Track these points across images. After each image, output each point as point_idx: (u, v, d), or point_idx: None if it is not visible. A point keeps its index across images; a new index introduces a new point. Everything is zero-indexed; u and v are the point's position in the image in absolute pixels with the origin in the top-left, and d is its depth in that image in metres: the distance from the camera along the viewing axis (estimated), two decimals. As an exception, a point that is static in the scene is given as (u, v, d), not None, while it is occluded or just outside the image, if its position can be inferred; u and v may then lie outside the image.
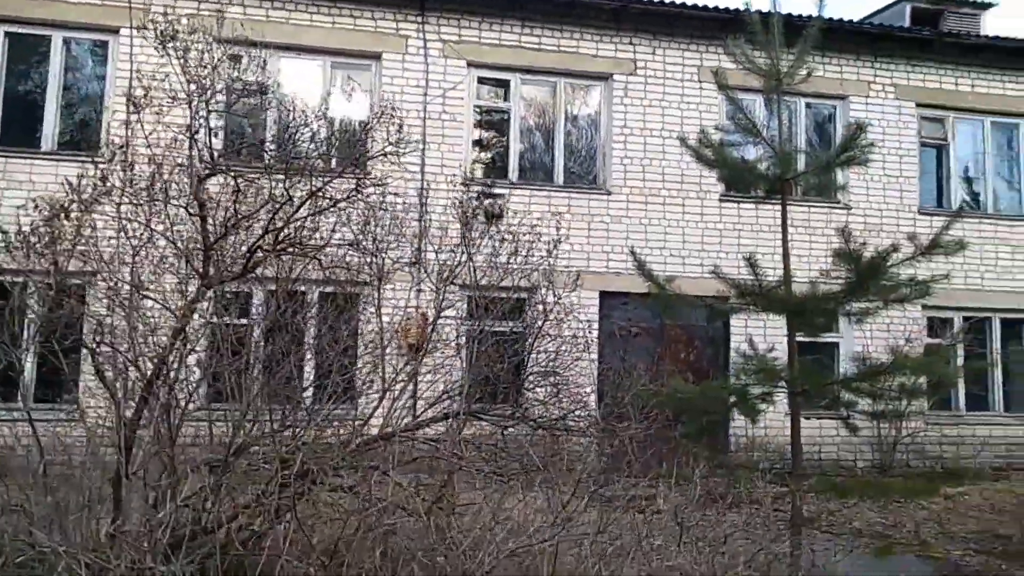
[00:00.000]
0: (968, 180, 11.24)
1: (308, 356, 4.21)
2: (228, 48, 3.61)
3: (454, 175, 9.29)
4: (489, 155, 10.32)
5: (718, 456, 5.54)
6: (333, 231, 3.47)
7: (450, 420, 3.20)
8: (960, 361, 10.30)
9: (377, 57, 9.54)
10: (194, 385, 3.57)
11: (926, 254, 4.18)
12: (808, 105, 10.53)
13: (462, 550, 2.18)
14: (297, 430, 3.11)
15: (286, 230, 3.18)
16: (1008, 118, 11.13)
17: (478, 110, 10.10)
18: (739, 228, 9.97)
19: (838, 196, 10.46)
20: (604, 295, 9.63)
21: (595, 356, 9.35)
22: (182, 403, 3.70)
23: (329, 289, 4.78)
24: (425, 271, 5.44)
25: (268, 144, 4.34)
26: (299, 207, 3.21)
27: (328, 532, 2.65)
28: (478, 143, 10.19)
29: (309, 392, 4.17)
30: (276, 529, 3.03)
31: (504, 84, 10.05)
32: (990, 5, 12.42)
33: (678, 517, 3.31)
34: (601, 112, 10.15)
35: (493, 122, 10.33)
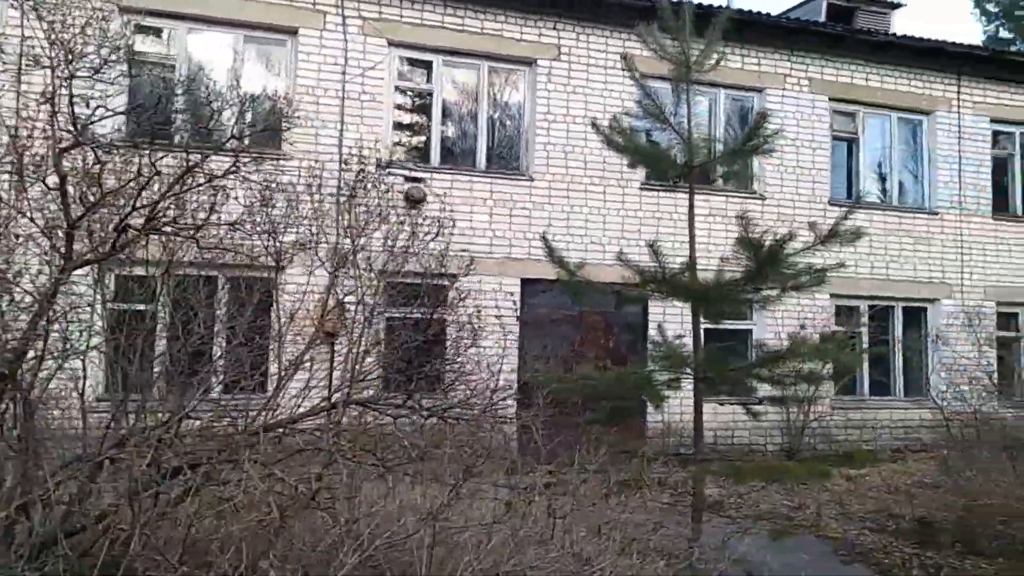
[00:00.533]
0: (877, 173, 11.69)
1: (209, 343, 4.00)
2: (104, 11, 3.33)
3: (373, 157, 9.05)
4: (411, 138, 10.10)
5: (627, 443, 5.56)
6: (212, 210, 3.25)
7: (335, 410, 3.06)
8: (865, 347, 10.76)
9: (293, 32, 9.19)
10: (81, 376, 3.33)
11: (825, 242, 4.26)
12: (729, 96, 10.72)
13: (322, 548, 2.07)
14: (181, 422, 2.92)
15: (161, 207, 2.95)
16: (913, 114, 11.61)
17: (400, 91, 9.86)
18: (659, 216, 10.09)
19: (754, 186, 10.72)
20: (526, 282, 9.60)
21: (514, 343, 9.37)
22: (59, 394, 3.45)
23: (240, 274, 4.59)
24: (348, 257, 5.27)
25: (150, 117, 4.05)
26: (174, 183, 2.98)
27: (196, 530, 2.50)
28: (399, 125, 9.96)
29: (215, 382, 3.97)
30: (155, 528, 2.85)
31: (427, 65, 9.84)
32: (899, 5, 12.91)
33: (576, 504, 3.28)
34: (525, 97, 10.07)
35: (415, 104, 10.11)
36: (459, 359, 3.99)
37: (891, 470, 9.20)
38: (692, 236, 4.48)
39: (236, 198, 3.98)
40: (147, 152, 2.94)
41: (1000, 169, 12.07)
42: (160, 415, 3.37)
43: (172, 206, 3.06)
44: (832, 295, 10.64)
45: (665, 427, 9.66)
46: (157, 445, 2.62)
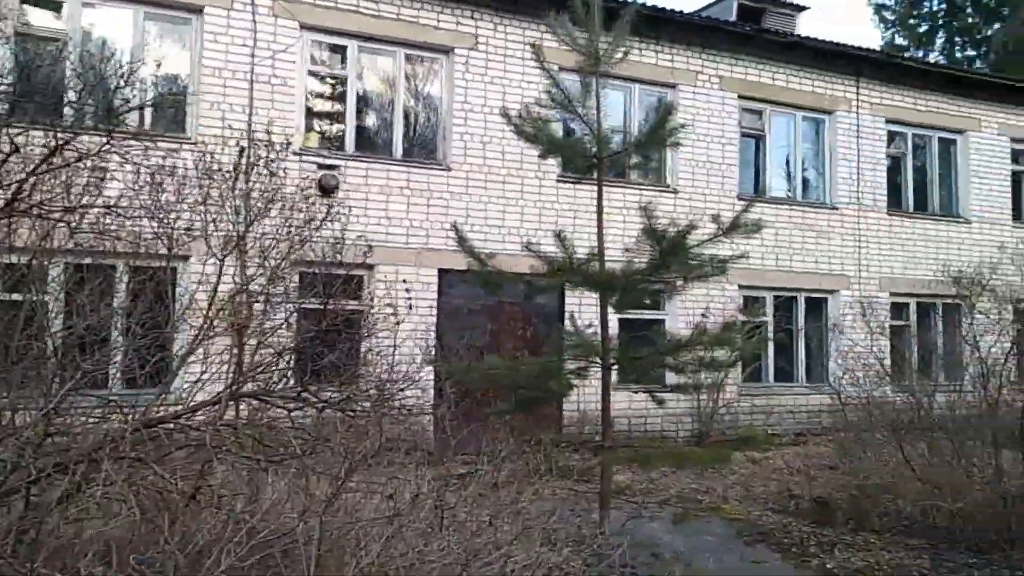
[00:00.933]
0: (784, 170, 12.17)
1: (97, 334, 3.76)
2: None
3: (284, 143, 8.78)
4: (326, 125, 9.84)
5: (540, 431, 5.61)
6: (87, 192, 3.05)
7: (220, 403, 2.94)
8: (769, 336, 11.21)
9: (198, 11, 8.78)
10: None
11: (728, 234, 4.38)
12: (644, 91, 10.92)
13: (195, 549, 1.98)
14: (49, 419, 2.72)
15: (27, 187, 2.74)
16: (817, 113, 12.14)
17: (313, 76, 9.59)
18: (576, 208, 10.19)
19: (667, 180, 10.98)
20: (444, 272, 9.52)
21: (431, 333, 9.30)
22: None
23: (140, 263, 4.35)
24: (245, 245, 5.08)
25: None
26: (42, 162, 2.77)
27: (66, 533, 2.34)
28: (313, 112, 9.69)
29: (112, 375, 3.75)
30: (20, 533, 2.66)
31: (341, 51, 9.60)
32: (804, 8, 13.46)
33: (481, 495, 3.27)
34: (443, 87, 9.97)
35: (332, 91, 9.86)
36: (367, 350, 3.90)
37: (793, 453, 9.64)
38: (600, 227, 4.53)
39: (131, 182, 3.76)
40: (3, 128, 2.72)
41: (895, 168, 12.79)
42: (33, 412, 3.16)
43: (48, 188, 2.85)
44: (740, 286, 11.03)
45: (581, 415, 9.80)
46: (24, 444, 2.44)
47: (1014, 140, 13.44)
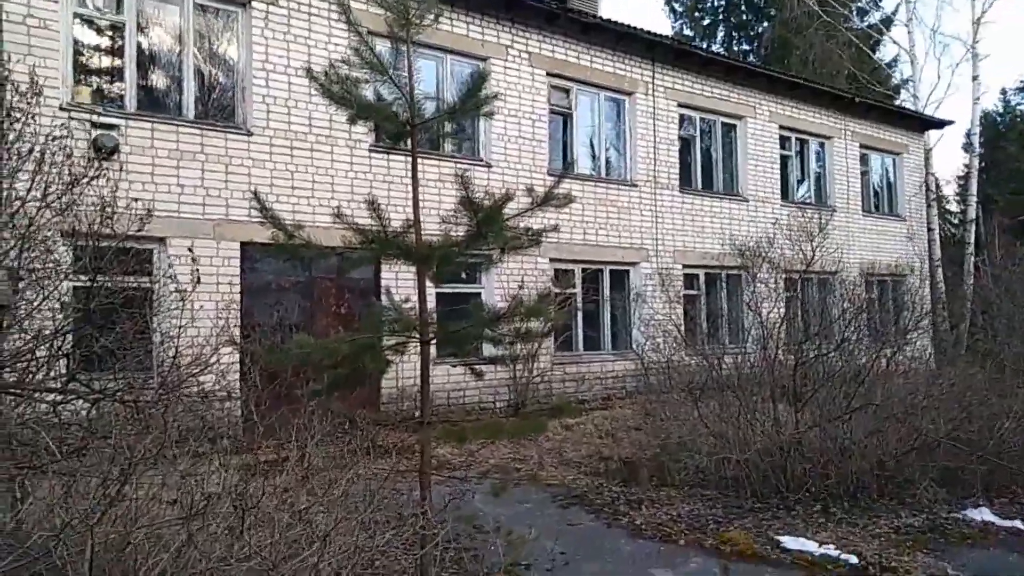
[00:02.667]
0: (589, 147, 12.68)
1: None
2: None
3: (36, 88, 7.58)
4: (105, 81, 8.63)
5: (356, 411, 5.35)
6: None
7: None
8: (578, 306, 11.71)
9: (-76, -68, 7.27)
10: None
11: (542, 205, 4.36)
12: (456, 62, 10.78)
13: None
14: None
15: None
16: (618, 94, 12.76)
17: (82, 21, 8.35)
18: (390, 180, 9.89)
19: (481, 154, 10.99)
20: (247, 246, 8.81)
21: (234, 312, 8.59)
22: None
23: None
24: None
25: None
26: None
27: None
28: (84, 65, 8.45)
29: None
30: None
31: (117, -5, 8.44)
32: (607, -8, 13.98)
33: (292, 482, 2.99)
34: (240, 43, 9.14)
35: (110, 43, 8.65)
36: (154, 332, 3.42)
37: (602, 416, 10.17)
38: (416, 197, 4.33)
39: None
40: None
41: (685, 149, 13.82)
42: None
43: None
44: (551, 259, 11.38)
45: (399, 392, 9.62)
46: None
47: (781, 127, 15.07)
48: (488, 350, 5.84)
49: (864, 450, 5.94)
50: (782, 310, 7.77)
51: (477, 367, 4.80)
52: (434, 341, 4.41)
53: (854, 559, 4.74)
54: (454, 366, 9.46)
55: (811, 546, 4.97)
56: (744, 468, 6.10)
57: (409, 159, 4.49)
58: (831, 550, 4.89)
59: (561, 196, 4.36)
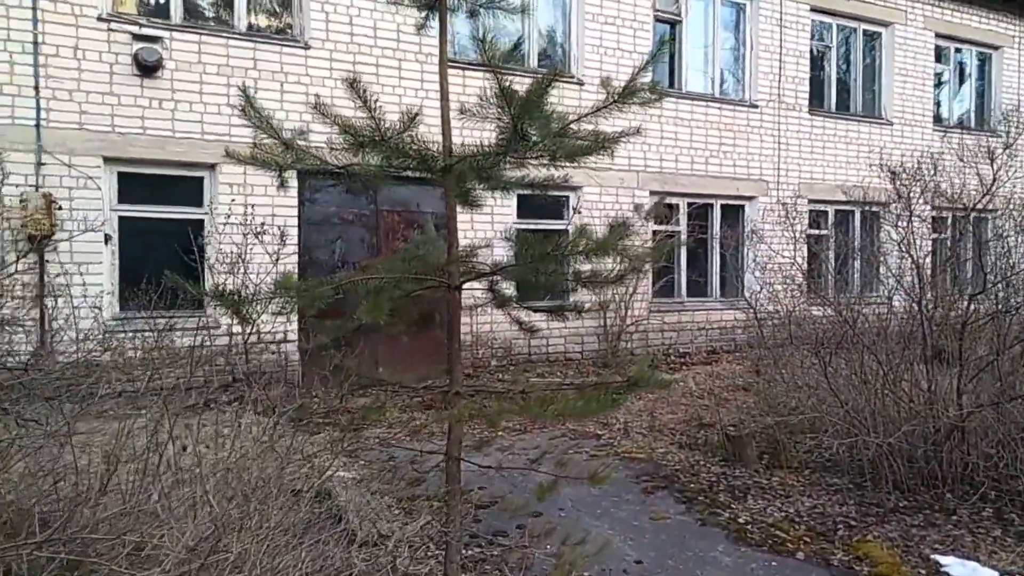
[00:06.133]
0: (703, 61, 10.93)
1: None
2: None
3: (84, 5, 6.89)
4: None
5: (424, 361, 4.39)
6: None
7: None
8: (683, 245, 10.27)
9: None
10: None
11: (619, 103, 3.17)
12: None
13: None
14: None
15: None
16: (739, -2, 10.86)
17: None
18: (463, 100, 8.71)
19: (573, 69, 9.59)
20: (304, 175, 7.96)
21: (292, 248, 7.86)
22: None
23: None
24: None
25: None
26: None
27: None
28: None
29: None
30: None
31: None
32: None
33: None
34: (299, -55, 8.12)
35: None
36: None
37: (705, 373, 8.85)
38: (444, 85, 3.19)
39: None
40: None
41: (817, 64, 11.76)
42: None
43: None
44: (651, 192, 9.95)
45: (474, 338, 8.70)
46: None
47: (938, 35, 12.59)
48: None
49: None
50: (942, 252, 6.10)
51: (525, 322, 3.70)
52: (465, 285, 3.31)
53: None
54: (535, 311, 8.38)
55: (988, 577, 3.61)
56: (886, 452, 4.72)
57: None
58: (1020, 587, 3.53)
59: (647, 88, 3.08)
